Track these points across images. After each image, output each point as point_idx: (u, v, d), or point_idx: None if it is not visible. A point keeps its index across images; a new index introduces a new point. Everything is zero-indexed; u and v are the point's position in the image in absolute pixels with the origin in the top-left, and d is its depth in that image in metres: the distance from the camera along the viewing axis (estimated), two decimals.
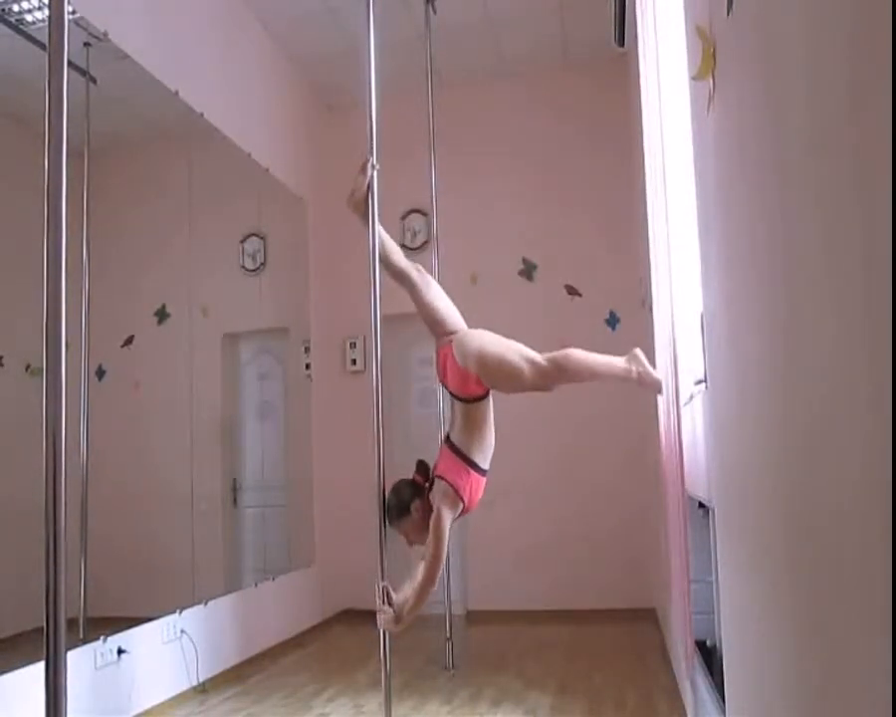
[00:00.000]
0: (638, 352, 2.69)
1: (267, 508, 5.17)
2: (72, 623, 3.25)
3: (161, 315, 4.22)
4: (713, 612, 2.22)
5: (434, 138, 4.43)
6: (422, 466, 2.69)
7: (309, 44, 5.38)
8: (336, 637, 5.24)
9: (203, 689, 3.96)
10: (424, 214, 5.83)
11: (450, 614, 4.32)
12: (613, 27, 4.55)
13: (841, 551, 0.94)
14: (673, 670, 3.84)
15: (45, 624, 1.47)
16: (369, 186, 2.66)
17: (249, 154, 4.92)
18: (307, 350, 5.66)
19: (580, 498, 5.50)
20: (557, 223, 5.74)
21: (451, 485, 2.57)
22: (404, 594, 2.53)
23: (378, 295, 2.65)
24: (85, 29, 3.49)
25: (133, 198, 4.20)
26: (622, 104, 5.46)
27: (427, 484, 2.64)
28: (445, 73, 5.60)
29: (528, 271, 5.81)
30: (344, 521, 5.65)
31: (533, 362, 2.58)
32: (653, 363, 2.72)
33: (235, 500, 4.93)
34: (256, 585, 4.79)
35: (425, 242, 5.80)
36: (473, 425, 2.64)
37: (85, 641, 3.29)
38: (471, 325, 2.82)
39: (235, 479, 4.94)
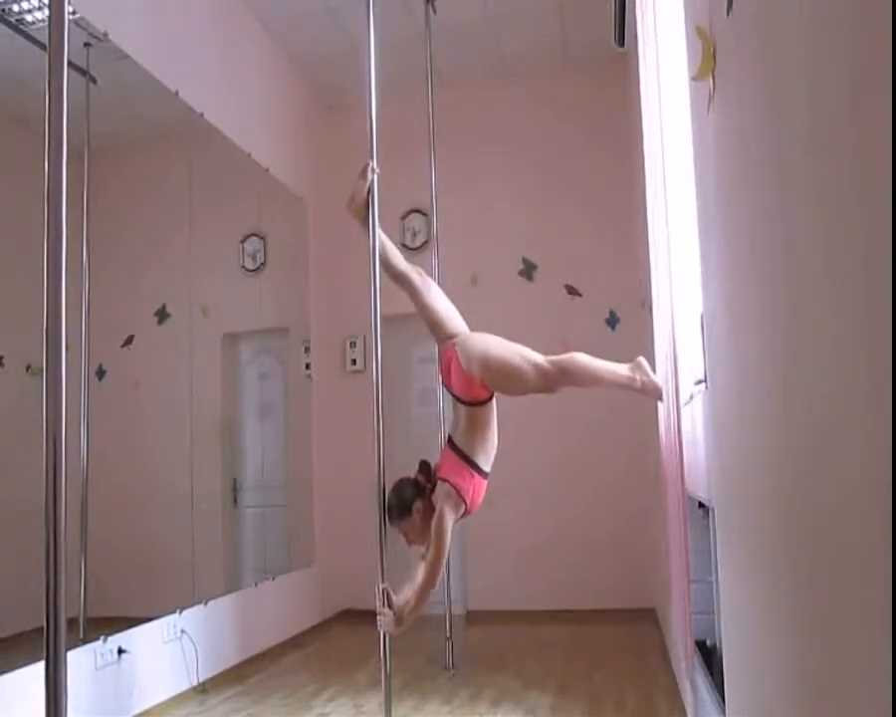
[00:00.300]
0: (642, 360, 2.69)
1: (267, 508, 5.17)
2: (72, 623, 3.25)
3: (161, 315, 4.23)
4: (713, 612, 2.22)
5: (434, 138, 4.43)
6: (425, 466, 2.69)
7: (309, 44, 5.38)
8: (336, 637, 5.24)
9: (203, 689, 3.96)
10: (424, 214, 5.83)
11: (450, 614, 4.31)
12: (613, 27, 4.55)
13: (841, 551, 0.94)
14: (673, 670, 3.84)
15: (45, 624, 1.47)
16: (370, 191, 2.66)
17: (249, 154, 4.92)
18: (307, 349, 5.66)
19: (581, 499, 5.50)
20: (556, 223, 5.74)
21: (454, 487, 2.57)
22: (404, 595, 2.54)
23: (378, 295, 2.65)
24: (85, 29, 3.49)
25: (133, 198, 4.20)
26: (622, 104, 5.46)
27: (429, 485, 2.64)
28: (445, 73, 5.60)
29: (528, 271, 5.81)
30: (344, 521, 5.65)
31: (536, 365, 2.59)
32: (653, 364, 2.72)
33: (235, 500, 4.93)
34: (256, 585, 4.79)
35: (425, 242, 5.80)
36: (477, 428, 2.64)
37: (85, 641, 3.29)
38: (471, 325, 2.82)
39: (235, 479, 4.95)
